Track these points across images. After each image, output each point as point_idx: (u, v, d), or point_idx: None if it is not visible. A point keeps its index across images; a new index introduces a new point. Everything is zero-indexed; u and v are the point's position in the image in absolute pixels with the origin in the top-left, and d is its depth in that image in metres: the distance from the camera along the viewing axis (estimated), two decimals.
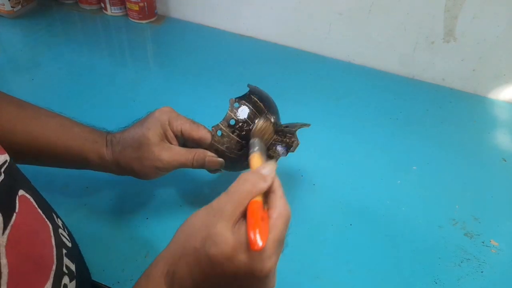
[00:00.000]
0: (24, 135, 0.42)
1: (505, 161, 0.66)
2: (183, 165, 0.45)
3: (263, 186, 0.32)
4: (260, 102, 0.47)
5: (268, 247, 0.29)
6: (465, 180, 0.62)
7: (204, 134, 0.45)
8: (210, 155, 0.45)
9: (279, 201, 0.32)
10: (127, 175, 0.46)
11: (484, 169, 0.64)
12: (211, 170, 0.48)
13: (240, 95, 0.48)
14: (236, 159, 0.46)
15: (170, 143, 0.45)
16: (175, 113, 0.45)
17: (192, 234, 0.31)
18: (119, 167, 0.45)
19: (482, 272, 0.49)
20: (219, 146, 0.45)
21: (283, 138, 0.47)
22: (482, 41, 0.74)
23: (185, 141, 0.48)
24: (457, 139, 0.69)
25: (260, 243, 0.28)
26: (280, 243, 0.30)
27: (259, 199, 0.32)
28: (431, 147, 0.67)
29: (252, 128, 0.45)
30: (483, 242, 0.53)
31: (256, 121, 0.46)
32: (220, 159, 0.46)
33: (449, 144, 0.68)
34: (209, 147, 0.46)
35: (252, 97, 0.47)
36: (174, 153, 0.44)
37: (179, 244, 0.32)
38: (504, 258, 0.51)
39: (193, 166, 0.45)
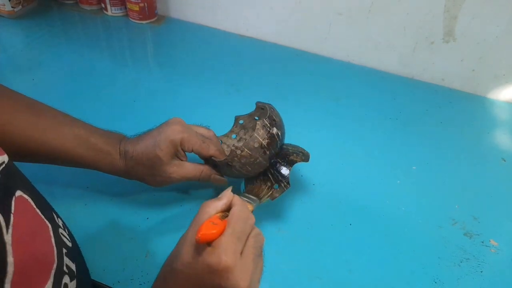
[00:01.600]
0: (39, 144, 0.44)
1: (505, 161, 0.66)
2: (190, 180, 0.49)
3: (218, 203, 0.35)
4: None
5: (222, 241, 0.31)
6: (465, 180, 0.62)
7: (213, 153, 0.48)
8: (215, 173, 0.50)
9: (235, 207, 0.34)
10: (137, 181, 0.49)
11: (484, 169, 0.64)
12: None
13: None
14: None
15: (180, 159, 0.48)
16: (186, 132, 0.46)
17: (166, 263, 0.36)
18: (130, 177, 0.48)
19: (481, 272, 0.49)
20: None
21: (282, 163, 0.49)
22: (481, 41, 0.74)
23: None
24: (457, 139, 0.70)
25: (201, 234, 0.30)
26: (238, 239, 0.32)
27: (217, 215, 0.34)
28: (431, 147, 0.67)
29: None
30: (482, 242, 0.53)
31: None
32: (224, 178, 0.50)
33: (448, 144, 0.68)
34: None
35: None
36: (184, 170, 0.47)
37: (159, 275, 0.36)
38: (503, 258, 0.51)
39: (199, 181, 0.49)
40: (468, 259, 0.51)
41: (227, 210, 0.35)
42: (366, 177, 0.60)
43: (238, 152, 0.46)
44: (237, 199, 0.36)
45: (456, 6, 0.72)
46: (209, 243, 0.31)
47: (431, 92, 0.80)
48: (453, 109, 0.77)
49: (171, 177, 0.47)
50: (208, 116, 0.66)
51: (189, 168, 0.48)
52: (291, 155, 0.50)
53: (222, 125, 0.57)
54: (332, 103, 0.75)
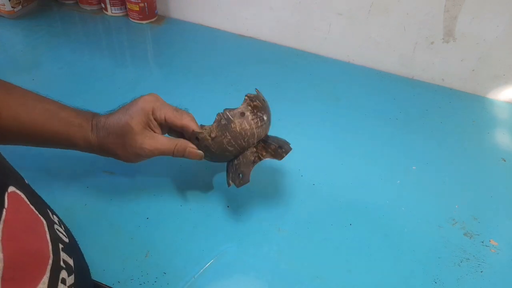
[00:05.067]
0: (11, 120, 0.43)
1: (505, 161, 0.66)
2: (164, 154, 0.47)
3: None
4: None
5: None
6: (465, 180, 0.62)
7: (187, 122, 0.46)
8: (191, 147, 0.47)
9: None
10: (111, 157, 0.47)
11: (484, 169, 0.64)
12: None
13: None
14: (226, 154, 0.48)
15: (153, 131, 0.46)
16: (159, 102, 0.46)
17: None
18: (103, 151, 0.47)
19: (481, 272, 0.49)
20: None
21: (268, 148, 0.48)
22: (481, 41, 0.74)
23: (170, 129, 0.49)
24: (457, 139, 0.70)
25: None
26: None
27: None
28: (431, 147, 0.67)
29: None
30: (482, 242, 0.53)
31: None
32: (200, 152, 0.47)
33: (448, 144, 0.68)
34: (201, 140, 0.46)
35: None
36: (156, 142, 0.46)
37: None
38: (503, 258, 0.51)
39: (173, 155, 0.47)
40: (468, 259, 0.51)
41: None
42: (366, 177, 0.60)
43: (233, 125, 0.45)
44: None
45: (456, 6, 0.72)
46: None
47: (431, 92, 0.81)
48: (453, 109, 0.77)
49: (143, 147, 0.45)
50: (208, 116, 0.66)
51: (163, 140, 0.46)
52: (270, 146, 0.48)
53: None
54: (332, 103, 0.75)
